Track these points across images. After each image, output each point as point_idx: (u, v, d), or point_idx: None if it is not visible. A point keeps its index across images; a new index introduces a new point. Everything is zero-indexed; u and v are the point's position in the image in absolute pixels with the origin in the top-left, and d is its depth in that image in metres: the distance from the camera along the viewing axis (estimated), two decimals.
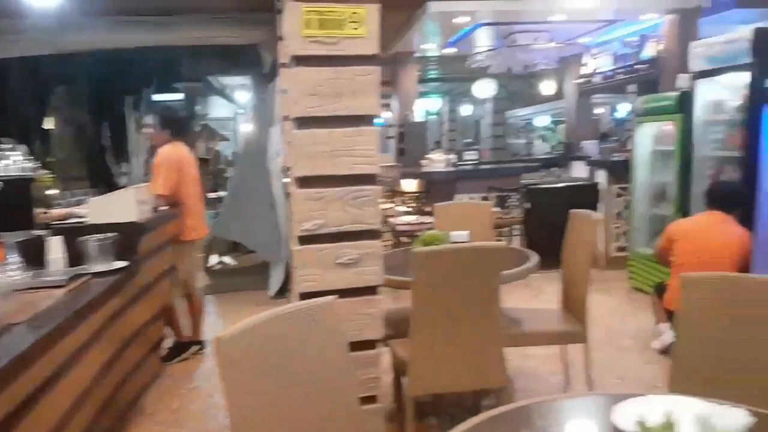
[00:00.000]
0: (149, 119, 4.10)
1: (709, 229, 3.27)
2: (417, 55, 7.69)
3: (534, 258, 2.95)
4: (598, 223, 2.88)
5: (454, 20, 5.74)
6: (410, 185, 6.59)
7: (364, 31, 2.14)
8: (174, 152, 3.96)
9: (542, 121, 14.76)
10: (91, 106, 7.92)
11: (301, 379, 1.47)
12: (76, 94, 8.03)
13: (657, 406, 1.09)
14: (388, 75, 8.18)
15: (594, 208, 6.06)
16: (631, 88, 8.27)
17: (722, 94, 4.50)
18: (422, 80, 12.11)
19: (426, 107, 15.45)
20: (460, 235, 3.09)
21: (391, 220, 5.50)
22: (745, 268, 3.23)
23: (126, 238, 3.00)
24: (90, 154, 8.15)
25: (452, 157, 6.71)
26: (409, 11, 5.62)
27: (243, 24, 5.18)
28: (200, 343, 4.20)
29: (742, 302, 1.58)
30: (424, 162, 6.90)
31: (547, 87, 10.18)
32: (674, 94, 4.84)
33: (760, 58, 3.92)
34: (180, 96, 10.07)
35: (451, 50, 7.44)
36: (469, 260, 2.35)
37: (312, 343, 1.53)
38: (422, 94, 15.06)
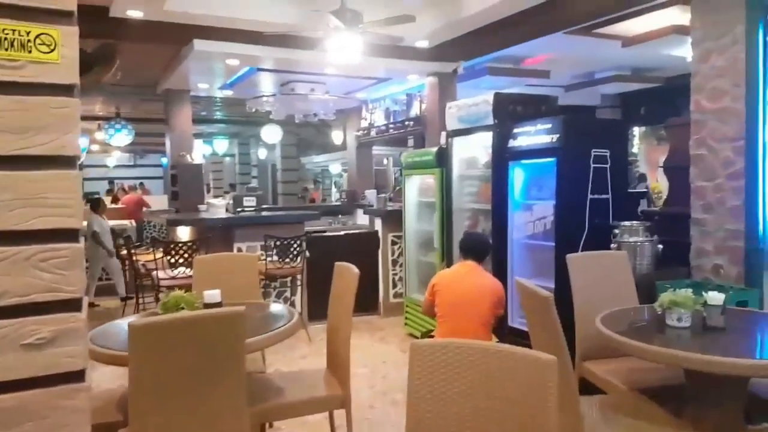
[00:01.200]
0: None
1: (464, 279, 3.45)
2: (193, 93, 7.26)
3: (293, 317, 2.72)
4: (356, 276, 2.78)
5: (228, 61, 5.51)
6: (184, 233, 6.03)
7: (56, 56, 1.74)
8: None
9: (336, 168, 15.29)
10: None
11: None
12: None
13: None
14: (161, 112, 7.58)
15: (375, 255, 6.25)
16: (411, 142, 8.97)
17: (474, 151, 4.98)
18: (204, 120, 11.65)
19: (217, 148, 14.91)
20: (212, 294, 2.74)
21: (156, 273, 4.89)
22: (501, 313, 3.46)
23: None
24: None
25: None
26: (177, 47, 5.24)
27: None
28: None
29: (465, 365, 1.56)
30: (202, 207, 6.41)
31: (337, 136, 10.54)
32: (433, 149, 5.23)
33: (500, 119, 4.42)
34: None
35: (228, 92, 7.18)
36: (199, 331, 2.02)
37: None
38: (210, 135, 14.58)
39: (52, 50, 1.77)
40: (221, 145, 14.34)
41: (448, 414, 1.56)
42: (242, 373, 2.11)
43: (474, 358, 1.54)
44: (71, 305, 1.89)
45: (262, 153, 14.98)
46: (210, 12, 4.59)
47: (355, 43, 4.15)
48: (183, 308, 2.60)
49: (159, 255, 4.87)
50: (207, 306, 2.65)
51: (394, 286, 6.28)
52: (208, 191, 14.23)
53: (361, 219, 7.46)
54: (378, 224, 6.38)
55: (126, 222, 8.47)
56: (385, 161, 11.64)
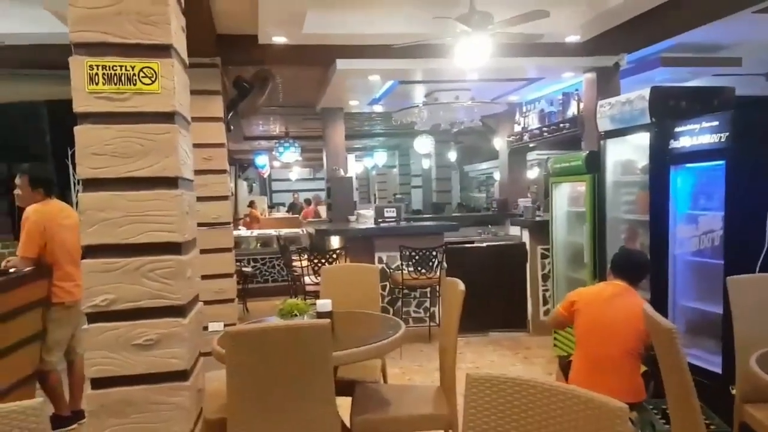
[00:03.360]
0: (18, 178, 3.80)
1: (611, 302, 3.02)
2: (347, 111, 7.65)
3: (398, 332, 2.66)
4: (463, 293, 2.62)
5: (370, 78, 5.68)
6: (336, 242, 6.36)
7: (157, 86, 1.94)
8: (42, 211, 3.68)
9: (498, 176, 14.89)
10: (21, 157, 7.61)
11: None
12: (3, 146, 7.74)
13: None
14: (320, 129, 8.12)
15: (522, 269, 5.91)
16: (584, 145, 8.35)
17: (631, 154, 4.41)
18: (363, 135, 12.21)
19: (378, 161, 15.58)
20: (323, 304, 2.82)
21: (303, 279, 5.23)
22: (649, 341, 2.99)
23: None
24: (14, 207, 7.75)
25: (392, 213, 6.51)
26: (323, 68, 5.56)
27: None
28: (80, 414, 3.80)
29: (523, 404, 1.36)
30: (351, 217, 6.70)
31: (497, 143, 10.25)
32: (583, 153, 4.75)
33: (658, 117, 3.86)
34: None
35: (378, 107, 7.42)
36: (286, 341, 2.07)
37: None
38: (372, 149, 15.28)
39: (154, 81, 1.96)
40: (381, 157, 14.91)
41: None
42: (330, 382, 2.12)
43: (534, 397, 1.34)
44: (175, 311, 2.07)
45: (425, 163, 15.21)
46: (345, 31, 4.76)
47: (485, 45, 3.96)
48: (296, 315, 2.71)
49: (305, 263, 5.19)
50: (319, 315, 2.73)
51: (545, 303, 5.84)
52: (374, 201, 14.94)
53: (514, 230, 7.12)
54: (526, 236, 6.02)
55: (298, 230, 9.25)
56: (535, 168, 11.01)
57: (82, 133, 1.92)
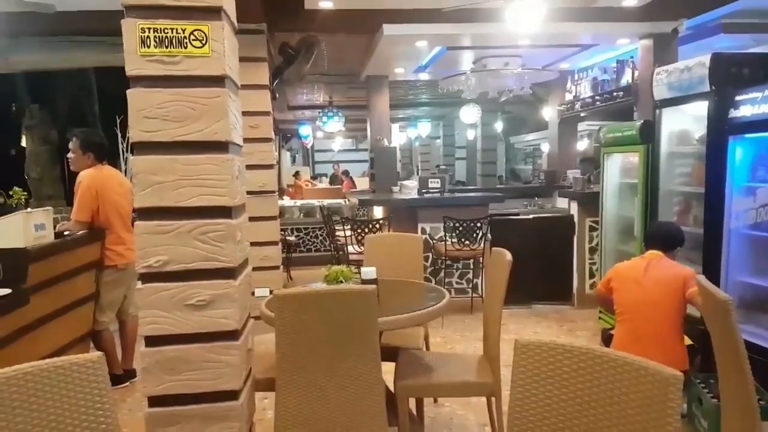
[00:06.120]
0: (71, 143, 3.92)
1: (646, 274, 2.97)
2: (392, 78, 7.54)
3: (441, 301, 2.65)
4: (510, 263, 2.59)
5: (417, 44, 5.57)
6: (379, 212, 6.37)
7: (207, 49, 1.94)
8: (95, 176, 3.80)
9: (547, 147, 14.51)
10: (69, 125, 7.89)
11: None
12: (53, 114, 8.02)
13: None
14: (364, 98, 8.05)
15: (569, 241, 5.79)
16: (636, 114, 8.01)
17: (688, 124, 4.21)
18: (407, 105, 12.03)
19: (421, 131, 15.38)
20: (368, 271, 2.83)
21: (346, 248, 5.28)
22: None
23: (11, 265, 2.83)
24: (66, 173, 8.08)
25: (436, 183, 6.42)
26: (369, 34, 5.48)
27: None
28: (132, 373, 3.99)
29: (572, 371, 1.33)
30: (395, 188, 6.68)
31: (548, 113, 9.92)
32: (637, 123, 4.56)
33: (718, 85, 3.65)
34: None
35: (423, 75, 7.28)
36: (332, 304, 2.10)
37: None
38: (416, 119, 15.08)
39: (204, 44, 1.96)
40: (425, 127, 14.69)
41: (550, 420, 1.38)
42: (375, 346, 2.15)
43: (585, 364, 1.31)
44: (226, 273, 2.11)
45: (470, 134, 14.95)
46: None
47: (538, 9, 3.81)
48: (341, 281, 2.74)
49: (349, 233, 5.22)
50: (363, 282, 2.76)
51: (591, 276, 5.72)
52: (417, 172, 14.83)
53: (562, 202, 6.95)
54: (574, 208, 5.87)
55: (341, 201, 9.33)
56: (585, 140, 10.65)
57: (134, 96, 1.95)
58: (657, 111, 4.39)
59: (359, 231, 5.07)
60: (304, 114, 12.75)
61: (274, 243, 4.83)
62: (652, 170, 4.43)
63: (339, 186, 11.24)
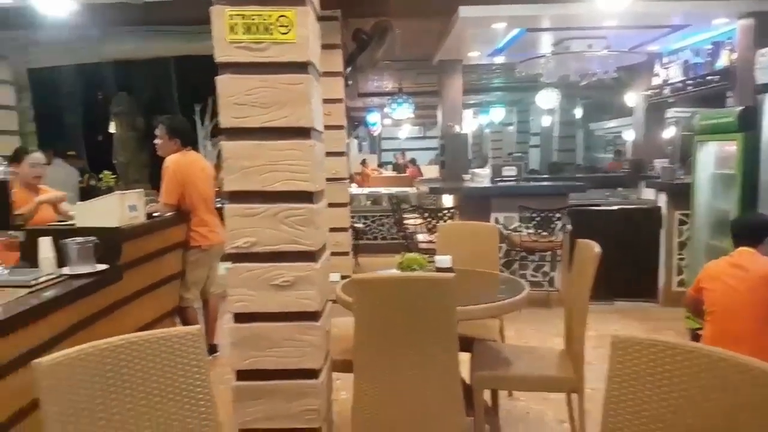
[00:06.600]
0: (157, 129, 4.09)
1: (735, 272, 2.77)
2: (465, 63, 7.37)
3: (520, 293, 2.57)
4: (598, 256, 2.48)
5: (494, 26, 5.40)
6: (449, 201, 6.29)
7: (293, 36, 1.95)
8: (181, 161, 3.96)
9: (632, 134, 13.73)
10: (154, 111, 8.32)
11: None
12: (139, 100, 8.46)
13: None
14: (435, 84, 7.93)
15: (655, 235, 5.48)
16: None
17: None
18: (480, 90, 11.73)
19: (494, 117, 14.99)
20: (442, 260, 2.79)
21: (416, 236, 5.25)
22: None
23: (108, 243, 3.00)
24: (152, 157, 8.54)
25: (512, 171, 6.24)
26: (445, 17, 5.36)
27: None
28: (214, 348, 4.18)
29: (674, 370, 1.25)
30: (466, 176, 6.56)
31: (631, 98, 9.37)
32: (736, 109, 4.20)
33: None
34: None
35: (499, 58, 7.06)
36: (410, 291, 2.07)
37: None
38: (488, 104, 14.69)
39: (290, 30, 1.97)
40: (498, 113, 14.31)
41: (647, 419, 1.30)
42: (453, 335, 2.11)
43: (689, 363, 1.22)
44: (308, 257, 2.14)
45: (545, 120, 14.41)
46: None
47: None
48: (415, 269, 2.71)
49: (419, 220, 5.18)
50: (438, 270, 2.72)
51: (679, 272, 5.38)
52: (486, 161, 14.53)
53: (646, 192, 6.57)
54: (662, 200, 5.53)
55: (408, 189, 9.30)
56: (672, 127, 9.98)
57: (223, 82, 1.99)
58: (758, 96, 4.03)
59: (430, 219, 5.02)
60: (373, 101, 12.77)
61: (344, 229, 4.87)
62: (752, 160, 4.08)
63: (406, 174, 11.23)
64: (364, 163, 12.38)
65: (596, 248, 2.53)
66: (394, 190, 8.51)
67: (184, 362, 1.44)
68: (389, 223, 8.27)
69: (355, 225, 7.39)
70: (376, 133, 17.00)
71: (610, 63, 6.04)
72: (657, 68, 7.28)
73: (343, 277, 2.84)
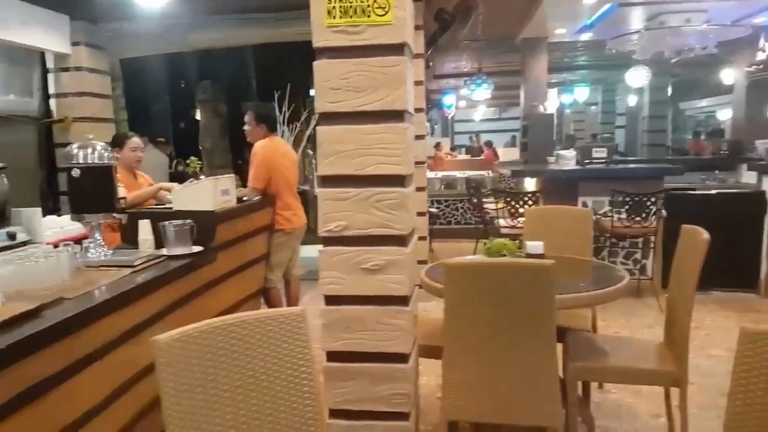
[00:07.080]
0: (246, 115, 4.22)
1: None
2: (551, 40, 7.06)
3: (620, 282, 2.44)
4: (707, 243, 2.32)
5: (584, 0, 5.12)
6: (531, 184, 6.10)
7: (390, 17, 1.91)
8: (268, 147, 4.07)
9: (727, 114, 12.69)
10: (237, 98, 8.60)
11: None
12: (222, 88, 8.76)
13: None
14: (517, 63, 7.67)
15: (758, 221, 5.07)
16: None
17: None
18: (564, 68, 11.20)
19: (578, 97, 14.33)
20: (535, 246, 2.69)
21: (497, 221, 5.14)
22: None
23: (203, 225, 3.14)
24: (235, 143, 8.86)
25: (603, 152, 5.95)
26: None
27: None
28: None
29: None
30: (550, 158, 6.33)
31: (728, 76, 8.62)
32: None
33: None
34: None
35: (587, 35, 6.70)
36: (505, 277, 2.02)
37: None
38: (571, 83, 14.04)
39: (387, 12, 1.94)
40: (582, 93, 13.66)
41: None
42: (551, 324, 2.03)
43: None
44: (398, 241, 2.12)
45: (631, 100, 13.60)
46: None
47: None
48: (504, 254, 2.64)
49: (501, 205, 5.06)
50: (529, 256, 2.63)
51: None
52: (574, 142, 13.96)
53: (747, 176, 6.08)
54: (766, 183, 5.10)
55: (484, 172, 9.12)
56: None
57: (320, 68, 2.00)
58: None
59: (512, 204, 4.88)
60: (448, 82, 12.55)
61: (423, 214, 4.83)
62: None
63: (482, 157, 11.00)
64: (437, 146, 12.23)
65: (704, 235, 2.37)
66: (468, 173, 8.37)
67: (289, 341, 1.47)
68: (463, 208, 8.15)
69: (430, 209, 7.34)
70: (450, 116, 16.76)
71: (711, 38, 5.57)
72: (762, 42, 6.66)
73: (419, 262, 2.81)
